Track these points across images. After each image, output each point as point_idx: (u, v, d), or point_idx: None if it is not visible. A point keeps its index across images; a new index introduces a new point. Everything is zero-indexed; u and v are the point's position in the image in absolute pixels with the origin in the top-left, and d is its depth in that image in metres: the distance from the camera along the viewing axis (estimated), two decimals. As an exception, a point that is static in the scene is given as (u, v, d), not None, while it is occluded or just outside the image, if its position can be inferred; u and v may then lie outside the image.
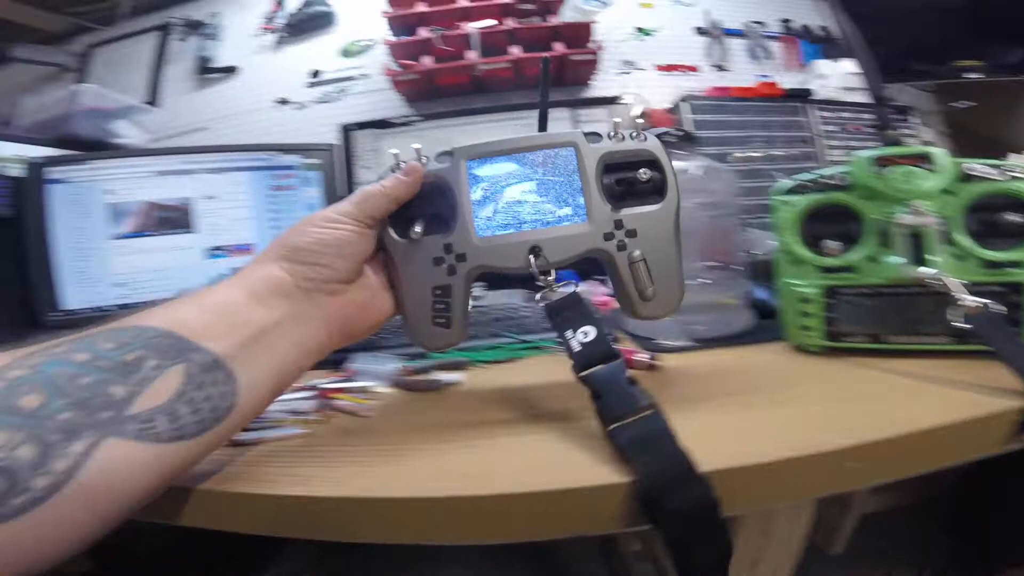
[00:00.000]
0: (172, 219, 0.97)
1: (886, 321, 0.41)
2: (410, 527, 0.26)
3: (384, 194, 0.34)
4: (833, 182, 0.43)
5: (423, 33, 1.39)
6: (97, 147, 1.21)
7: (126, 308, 0.87)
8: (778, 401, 0.34)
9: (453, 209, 0.37)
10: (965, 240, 0.39)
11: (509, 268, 0.37)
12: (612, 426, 0.27)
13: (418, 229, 0.36)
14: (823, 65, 1.34)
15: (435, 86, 1.38)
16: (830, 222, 0.43)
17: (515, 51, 1.36)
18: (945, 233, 0.39)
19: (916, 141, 1.26)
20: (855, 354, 0.42)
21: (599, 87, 1.44)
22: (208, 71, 1.64)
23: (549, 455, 0.29)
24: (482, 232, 0.37)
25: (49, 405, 0.21)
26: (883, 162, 0.41)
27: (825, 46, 1.46)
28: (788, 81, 1.36)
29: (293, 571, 0.91)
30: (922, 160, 0.40)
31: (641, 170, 0.37)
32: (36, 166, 0.87)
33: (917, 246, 0.39)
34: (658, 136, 0.61)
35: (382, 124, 1.14)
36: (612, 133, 0.38)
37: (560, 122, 1.14)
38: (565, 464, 0.27)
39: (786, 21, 1.57)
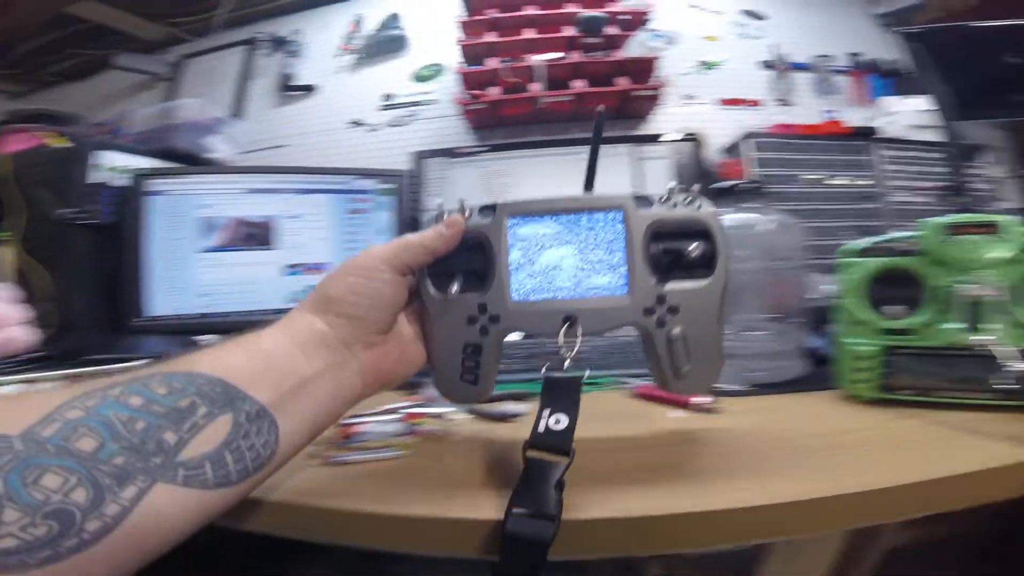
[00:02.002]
0: (256, 235, 1.01)
1: (937, 377, 0.43)
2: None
3: (423, 245, 0.35)
4: (902, 247, 0.45)
5: (491, 63, 1.46)
6: (191, 159, 1.29)
7: (206, 317, 0.92)
8: (828, 445, 0.37)
9: (490, 267, 0.36)
10: (1021, 312, 0.40)
11: (542, 334, 0.37)
12: (513, 509, 0.27)
13: (455, 288, 0.35)
14: (892, 101, 1.31)
15: (499, 116, 1.45)
16: (894, 286, 0.45)
17: (578, 84, 1.41)
18: (1005, 303, 0.40)
19: (987, 198, 1.21)
20: (905, 405, 0.43)
21: (660, 120, 1.46)
22: (289, 88, 1.74)
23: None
24: (517, 296, 0.36)
25: (104, 448, 0.22)
26: (954, 230, 0.43)
27: (896, 81, 1.43)
28: (854, 117, 1.34)
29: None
30: (991, 228, 0.42)
31: (693, 244, 0.35)
32: (140, 177, 0.90)
33: (975, 313, 0.41)
34: (729, 188, 0.63)
35: (450, 152, 1.21)
36: (664, 198, 0.37)
37: (617, 157, 1.18)
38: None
39: (855, 55, 1.55)
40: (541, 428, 0.30)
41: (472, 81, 1.48)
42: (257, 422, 0.26)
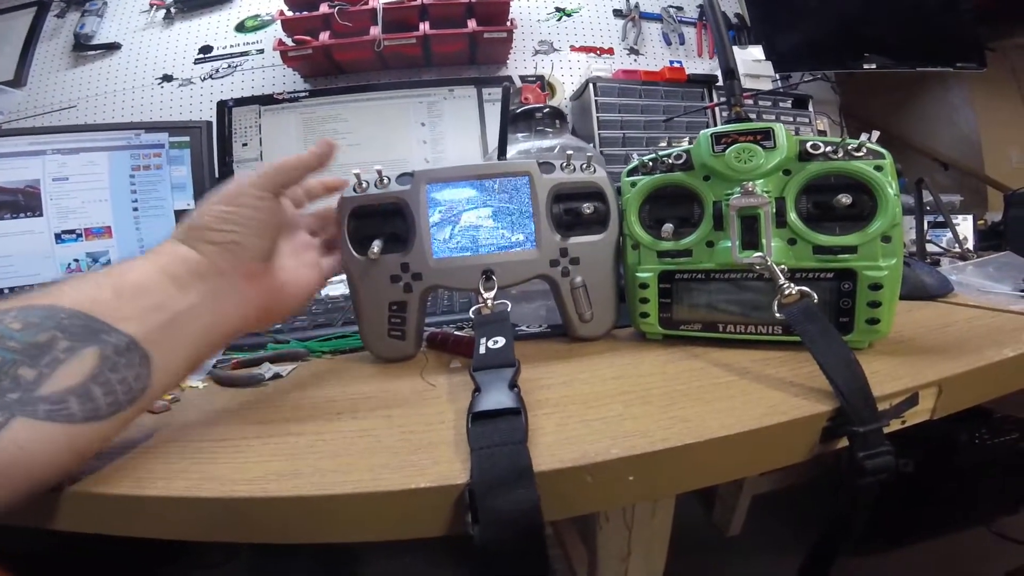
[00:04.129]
0: (17, 203, 0.90)
1: (720, 308, 0.38)
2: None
3: (295, 163, 0.35)
4: (675, 162, 0.40)
5: (324, 8, 1.28)
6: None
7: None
8: (589, 398, 0.30)
9: (411, 230, 0.39)
10: (798, 223, 0.36)
11: (462, 288, 0.39)
12: (476, 421, 0.25)
13: (376, 248, 0.37)
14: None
15: (335, 62, 1.28)
16: (673, 204, 0.40)
17: (424, 27, 1.28)
18: (781, 215, 0.36)
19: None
20: (692, 343, 0.39)
21: (514, 67, 1.38)
22: (86, 48, 1.48)
23: (375, 456, 0.25)
24: (438, 253, 0.39)
25: None
26: (724, 140, 0.38)
27: (736, 33, 1.47)
28: (699, 67, 1.35)
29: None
30: (765, 137, 0.37)
31: (586, 204, 0.40)
32: None
33: (752, 229, 0.36)
34: (526, 111, 0.58)
35: (266, 100, 1.04)
36: (564, 164, 0.40)
37: (466, 100, 1.08)
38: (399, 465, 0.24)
39: (702, 6, 1.58)
40: (482, 350, 0.31)
41: (299, 27, 1.28)
42: (127, 355, 0.25)
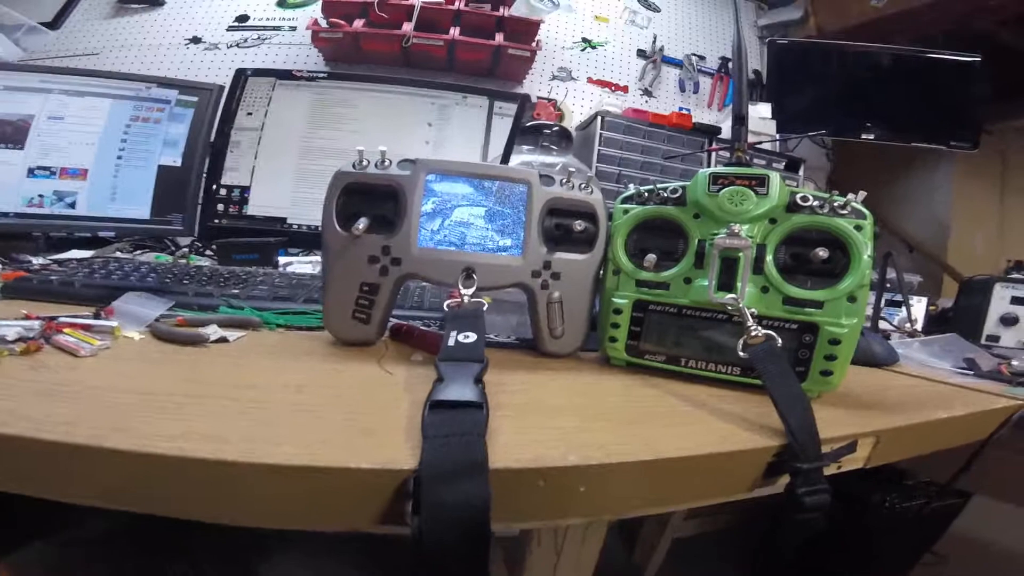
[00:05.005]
0: (2, 134, 0.88)
1: (685, 344, 0.39)
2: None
3: None
4: (669, 195, 0.40)
5: None
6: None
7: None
8: (549, 408, 0.30)
9: (401, 215, 0.38)
10: (773, 272, 0.37)
11: (440, 281, 0.39)
12: (434, 409, 0.24)
13: (362, 225, 0.37)
14: (743, 107, 1.39)
15: (361, 50, 1.29)
16: (659, 236, 0.41)
17: (454, 32, 1.31)
18: (759, 262, 0.37)
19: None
20: (654, 373, 0.39)
21: (530, 87, 1.41)
22: (131, 0, 1.49)
23: (314, 432, 0.23)
24: (424, 243, 0.38)
25: None
26: (721, 181, 0.39)
27: (750, 89, 1.52)
28: (706, 118, 1.39)
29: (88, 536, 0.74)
30: (759, 184, 0.38)
31: (578, 222, 0.40)
32: None
33: (730, 271, 0.37)
34: (534, 127, 0.59)
35: (284, 74, 1.04)
36: (564, 180, 0.40)
37: (476, 110, 1.10)
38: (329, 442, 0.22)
39: (725, 60, 1.63)
40: (451, 343, 0.30)
41: (337, 11, 1.31)
42: None
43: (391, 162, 0.39)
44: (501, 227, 0.40)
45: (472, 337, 0.31)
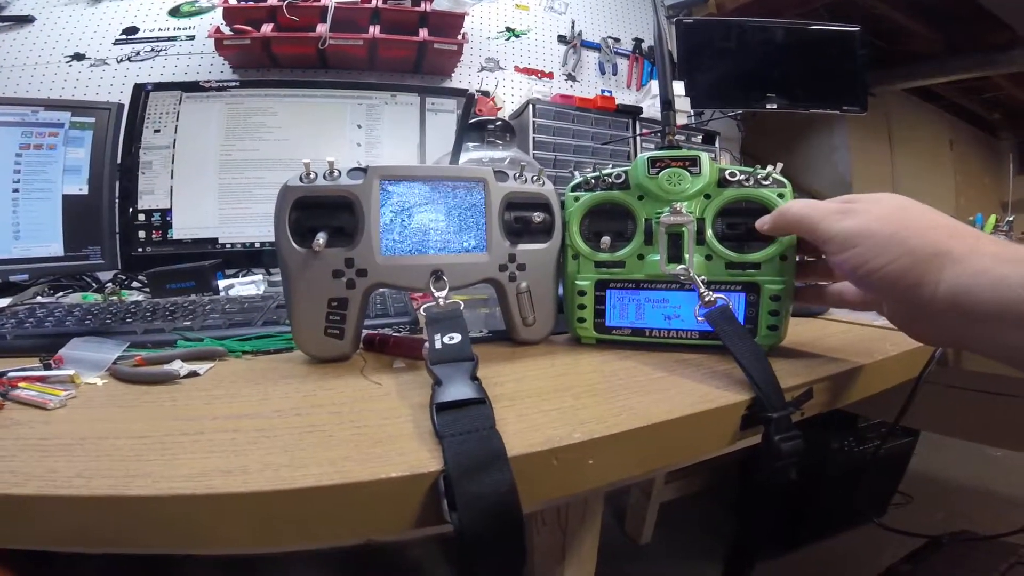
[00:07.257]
0: None
1: (647, 316, 0.42)
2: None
3: None
4: (614, 181, 0.44)
5: (272, 0, 1.23)
6: None
7: None
8: (541, 392, 0.32)
9: (359, 225, 0.38)
10: (714, 241, 0.41)
11: (408, 287, 0.39)
12: (442, 411, 0.25)
13: (321, 240, 0.36)
14: (655, 85, 1.47)
15: (272, 55, 1.23)
16: (610, 219, 0.44)
17: (374, 31, 1.27)
18: (700, 234, 0.41)
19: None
20: (622, 347, 0.43)
21: (459, 80, 1.41)
22: None
23: (331, 450, 0.24)
24: (387, 251, 0.38)
25: None
26: (658, 164, 0.42)
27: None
28: (627, 98, 1.46)
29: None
30: (692, 164, 0.42)
31: (536, 213, 0.42)
32: None
33: (677, 245, 0.41)
34: (479, 123, 0.60)
35: (190, 86, 0.97)
36: (517, 175, 0.42)
37: (407, 107, 1.08)
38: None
39: (639, 41, 1.70)
40: (438, 345, 0.31)
41: (241, 17, 1.22)
42: None
43: (340, 172, 0.38)
44: (462, 226, 0.40)
45: (457, 337, 0.32)
